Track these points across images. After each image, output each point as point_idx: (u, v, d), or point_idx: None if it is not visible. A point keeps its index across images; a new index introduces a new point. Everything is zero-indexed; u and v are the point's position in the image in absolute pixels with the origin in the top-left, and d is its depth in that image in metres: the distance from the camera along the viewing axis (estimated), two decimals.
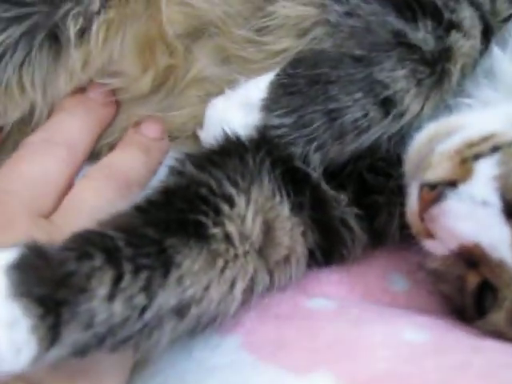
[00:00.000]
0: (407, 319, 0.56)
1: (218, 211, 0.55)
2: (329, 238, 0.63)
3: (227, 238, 0.54)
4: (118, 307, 0.46)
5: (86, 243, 0.48)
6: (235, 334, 0.55)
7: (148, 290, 0.48)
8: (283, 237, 0.58)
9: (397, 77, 0.59)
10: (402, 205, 0.61)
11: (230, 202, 0.56)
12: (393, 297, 0.63)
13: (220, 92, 0.71)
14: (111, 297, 0.46)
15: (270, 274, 0.58)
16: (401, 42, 0.60)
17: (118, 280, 0.47)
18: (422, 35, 0.60)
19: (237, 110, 0.66)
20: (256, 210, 0.57)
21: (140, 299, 0.48)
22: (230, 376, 0.51)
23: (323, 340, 0.52)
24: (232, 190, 0.56)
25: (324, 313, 0.57)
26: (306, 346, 0.52)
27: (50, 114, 0.75)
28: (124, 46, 0.74)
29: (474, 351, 0.50)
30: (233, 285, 0.54)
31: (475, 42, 0.62)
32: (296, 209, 0.60)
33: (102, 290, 0.46)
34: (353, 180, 0.64)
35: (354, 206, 0.64)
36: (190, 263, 0.51)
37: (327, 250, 0.63)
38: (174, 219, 0.52)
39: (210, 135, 0.67)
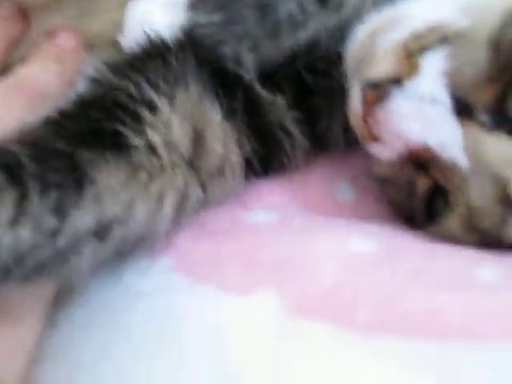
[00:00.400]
0: (354, 228, 0.51)
1: (138, 119, 0.49)
2: (267, 145, 0.58)
3: (150, 148, 0.48)
4: (25, 232, 0.41)
5: None
6: (167, 255, 0.49)
7: (59, 210, 0.42)
8: (215, 145, 0.53)
9: None
10: (345, 107, 0.55)
11: (152, 108, 0.50)
12: (339, 206, 0.58)
13: None
14: (15, 220, 0.41)
15: (203, 186, 0.52)
16: None
17: (22, 201, 0.41)
18: None
19: (160, 10, 0.60)
20: (183, 116, 0.51)
21: (50, 222, 0.42)
22: (161, 300, 0.46)
23: (265, 255, 0.47)
24: (153, 95, 0.50)
25: (266, 226, 0.52)
26: (246, 263, 0.47)
27: None
28: None
29: (427, 257, 0.46)
30: (160, 200, 0.48)
31: None
32: (228, 114, 0.55)
33: (4, 212, 0.40)
34: (290, 81, 0.59)
35: (293, 109, 0.58)
36: (108, 178, 0.45)
37: (266, 159, 0.58)
38: (87, 130, 0.47)
39: (131, 39, 0.60)
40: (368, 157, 0.54)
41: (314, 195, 0.59)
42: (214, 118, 0.53)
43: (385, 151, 0.51)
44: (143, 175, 0.47)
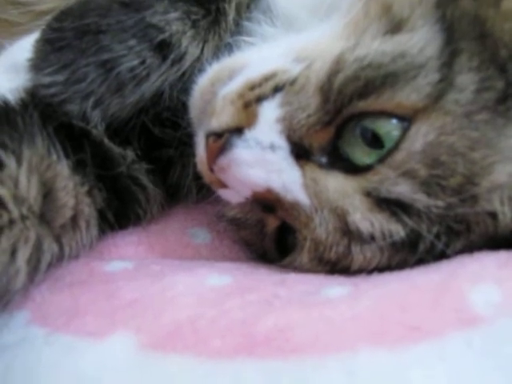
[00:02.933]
0: (210, 267, 0.51)
1: None
2: (120, 198, 0.57)
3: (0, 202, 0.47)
4: None
5: None
6: (24, 309, 0.47)
7: None
8: (66, 197, 0.52)
9: (171, 19, 0.55)
10: (194, 155, 0.56)
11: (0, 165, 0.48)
12: (195, 250, 0.59)
13: None
14: None
15: (58, 239, 0.51)
16: None
17: None
18: None
19: (2, 74, 0.59)
20: (30, 170, 0.49)
21: None
22: (21, 354, 0.43)
23: (121, 300, 0.46)
24: (4, 154, 0.49)
25: (123, 274, 0.51)
26: (102, 309, 0.45)
27: None
28: None
29: (280, 284, 0.47)
30: (13, 254, 0.46)
31: None
32: (77, 167, 0.54)
33: None
34: (138, 134, 0.59)
35: (144, 160, 0.58)
36: None
37: (120, 211, 0.58)
38: None
39: None
40: (220, 201, 0.55)
41: (170, 242, 0.59)
42: (63, 170, 0.52)
43: (233, 196, 0.52)
44: None
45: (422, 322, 0.39)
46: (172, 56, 0.54)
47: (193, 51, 0.55)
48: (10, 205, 0.47)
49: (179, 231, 0.60)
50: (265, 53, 0.54)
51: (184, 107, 0.58)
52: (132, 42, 0.53)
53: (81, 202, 0.53)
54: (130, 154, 0.58)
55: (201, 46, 0.56)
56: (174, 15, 0.54)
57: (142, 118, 0.58)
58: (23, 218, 0.48)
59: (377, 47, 0.47)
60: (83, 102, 0.53)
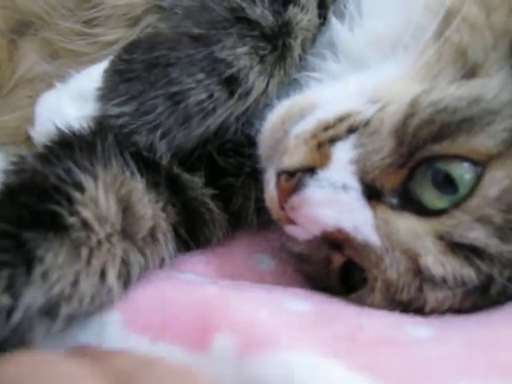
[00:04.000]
0: (284, 291, 0.52)
1: (70, 199, 0.48)
2: (190, 217, 0.57)
3: (85, 224, 0.48)
4: None
5: None
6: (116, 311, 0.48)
7: (12, 289, 0.42)
8: (143, 209, 0.52)
9: (239, 54, 0.55)
10: (258, 189, 0.57)
11: (81, 188, 0.49)
12: (261, 275, 0.59)
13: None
14: None
15: (141, 251, 0.52)
16: (239, 18, 0.56)
17: None
18: (260, 10, 0.56)
19: (70, 103, 0.59)
20: (106, 189, 0.50)
21: (4, 300, 0.42)
22: None
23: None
24: (81, 176, 0.50)
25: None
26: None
27: None
28: None
29: (360, 315, 0.47)
30: (103, 273, 0.47)
31: (312, 15, 0.59)
32: (152, 185, 0.54)
33: None
34: (203, 162, 0.59)
35: (209, 187, 0.59)
36: (53, 256, 0.45)
37: (191, 230, 0.58)
38: (26, 213, 0.46)
39: (42, 132, 0.59)
40: (284, 234, 0.54)
41: (237, 265, 0.59)
42: (137, 185, 0.53)
43: (300, 233, 0.51)
44: (84, 251, 0.47)
45: None
46: (239, 90, 0.54)
47: (259, 86, 0.55)
48: (96, 226, 0.48)
49: (244, 255, 0.60)
50: (336, 92, 0.53)
51: (247, 139, 0.59)
52: (200, 76, 0.54)
53: (157, 215, 0.53)
54: (197, 180, 0.58)
55: (266, 80, 0.56)
56: (242, 50, 0.54)
57: (206, 148, 0.58)
58: (108, 236, 0.48)
59: (452, 92, 0.47)
60: (150, 133, 0.54)
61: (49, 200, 0.47)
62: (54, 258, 0.44)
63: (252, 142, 0.58)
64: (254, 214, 0.61)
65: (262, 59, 0.55)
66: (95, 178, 0.50)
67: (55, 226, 0.46)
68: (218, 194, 0.59)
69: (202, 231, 0.59)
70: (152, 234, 0.53)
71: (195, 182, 0.58)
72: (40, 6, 0.64)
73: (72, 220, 0.47)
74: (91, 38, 0.65)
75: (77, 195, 0.48)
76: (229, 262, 0.59)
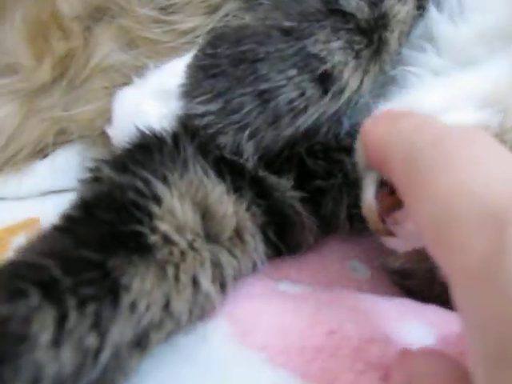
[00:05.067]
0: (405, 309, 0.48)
1: (150, 215, 0.44)
2: (278, 220, 0.53)
3: (166, 239, 0.44)
4: (68, 353, 0.36)
5: (16, 278, 0.37)
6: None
7: (98, 326, 0.38)
8: (223, 209, 0.48)
9: (333, 49, 0.50)
10: (351, 194, 0.53)
11: (158, 201, 0.46)
12: (357, 284, 0.54)
13: (129, 83, 0.60)
14: (57, 342, 0.36)
15: (231, 252, 0.48)
16: (333, 10, 0.51)
17: (62, 320, 0.36)
18: (356, 2, 0.51)
19: (151, 100, 0.56)
20: (181, 196, 0.47)
21: (91, 339, 0.37)
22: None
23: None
24: (159, 186, 0.46)
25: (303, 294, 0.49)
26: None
27: None
28: (11, 32, 0.62)
29: None
30: (195, 283, 0.44)
31: (410, 6, 0.53)
32: (233, 189, 0.51)
33: (45, 334, 0.35)
34: (292, 164, 0.55)
35: (298, 189, 0.54)
36: (140, 282, 0.41)
37: (279, 232, 0.54)
38: (107, 235, 0.42)
39: (120, 131, 0.56)
40: (381, 245, 0.50)
41: (331, 273, 0.55)
42: (215, 187, 0.49)
43: (401, 245, 0.47)
44: (171, 269, 0.43)
45: None
46: (333, 88, 0.50)
47: (353, 83, 0.51)
48: (176, 237, 0.44)
49: (338, 262, 0.56)
50: (441, 95, 0.48)
51: (336, 141, 0.55)
52: (291, 73, 0.49)
53: (241, 214, 0.50)
54: (283, 182, 0.54)
55: (361, 77, 0.51)
56: (336, 44, 0.50)
57: (295, 150, 0.54)
58: (191, 244, 0.45)
59: None
60: (237, 133, 0.49)
61: (130, 218, 0.43)
62: (140, 285, 0.41)
63: (341, 146, 0.54)
64: (345, 220, 0.56)
65: (357, 54, 0.50)
66: (171, 186, 0.47)
67: (139, 248, 0.42)
68: (306, 197, 0.54)
69: (291, 235, 0.54)
70: (239, 234, 0.49)
71: (282, 184, 0.53)
72: None
73: (154, 238, 0.43)
74: (168, 26, 0.61)
75: (155, 209, 0.45)
76: (322, 269, 0.55)
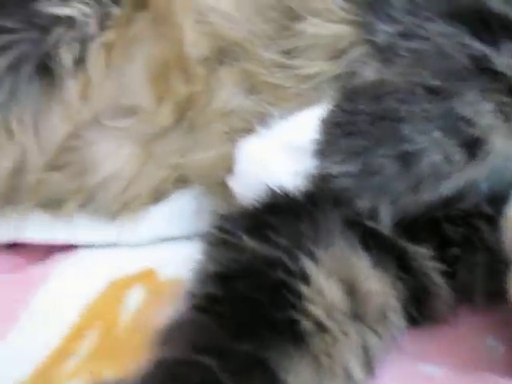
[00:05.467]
0: None
1: (300, 296, 0.42)
2: (416, 292, 0.50)
3: (318, 325, 0.41)
4: None
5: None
6: None
7: None
8: (371, 287, 0.45)
9: (482, 111, 0.46)
10: (485, 265, 0.50)
11: (307, 279, 0.43)
12: (495, 364, 0.50)
13: (249, 128, 0.57)
14: None
15: (375, 332, 0.45)
16: (483, 69, 0.47)
17: None
18: (506, 60, 0.47)
19: (280, 154, 0.52)
20: (329, 273, 0.44)
21: None
22: None
23: None
24: (306, 262, 0.43)
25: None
26: None
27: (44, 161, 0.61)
28: (133, 73, 0.60)
29: None
30: (347, 372, 0.41)
31: None
32: (377, 260, 0.47)
33: None
34: (430, 232, 0.51)
35: (435, 260, 0.51)
36: (294, 377, 0.38)
37: (418, 305, 0.50)
38: (259, 319, 0.40)
39: (243, 184, 0.53)
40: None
41: (466, 350, 0.52)
42: (362, 261, 0.46)
43: None
44: (325, 360, 0.40)
45: None
46: (480, 154, 0.46)
47: (502, 150, 0.47)
48: (329, 322, 0.41)
49: (473, 339, 0.53)
50: None
51: (476, 207, 0.51)
52: (436, 135, 0.46)
53: (386, 292, 0.47)
54: (422, 251, 0.50)
55: (510, 142, 0.47)
56: (486, 106, 0.46)
57: (433, 216, 0.51)
58: (341, 328, 0.42)
59: None
60: (376, 198, 0.46)
61: (282, 301, 0.41)
62: (297, 380, 0.38)
63: (480, 212, 0.51)
64: (481, 295, 0.52)
65: (506, 117, 0.47)
66: (317, 261, 0.44)
67: (293, 336, 0.40)
68: (443, 268, 0.51)
69: (428, 306, 0.51)
70: (382, 311, 0.46)
71: (420, 253, 0.50)
72: (243, 32, 0.59)
73: (307, 324, 0.40)
74: (290, 71, 0.58)
75: (304, 289, 0.42)
76: (461, 346, 0.52)
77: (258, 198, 0.49)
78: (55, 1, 0.57)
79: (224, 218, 0.49)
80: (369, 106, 0.48)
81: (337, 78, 0.57)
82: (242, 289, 0.41)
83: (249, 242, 0.45)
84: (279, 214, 0.47)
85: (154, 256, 0.63)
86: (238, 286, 0.42)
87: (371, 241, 0.47)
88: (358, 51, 0.56)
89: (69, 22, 0.56)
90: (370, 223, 0.47)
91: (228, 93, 0.60)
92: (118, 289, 0.58)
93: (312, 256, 0.44)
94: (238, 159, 0.54)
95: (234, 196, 0.54)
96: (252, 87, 0.60)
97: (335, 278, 0.44)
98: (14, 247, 0.64)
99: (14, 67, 0.56)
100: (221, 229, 0.48)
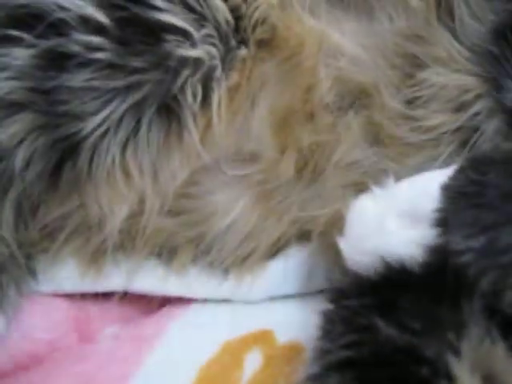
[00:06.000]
0: None
1: None
2: None
3: None
4: None
5: None
6: None
7: None
8: (508, 379, 0.39)
9: None
10: None
11: (451, 378, 0.38)
12: None
13: (365, 185, 0.54)
14: None
15: None
16: None
17: None
18: None
19: (395, 220, 0.48)
20: (472, 368, 0.38)
21: None
22: None
23: None
24: (453, 361, 0.38)
25: None
26: None
27: (161, 206, 0.59)
28: (257, 119, 0.57)
29: None
30: None
31: None
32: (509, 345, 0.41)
33: None
34: None
35: None
36: None
37: None
38: None
39: (354, 248, 0.49)
40: None
41: None
42: (498, 350, 0.40)
43: None
44: None
45: None
46: None
47: None
48: None
49: None
50: None
51: None
52: None
53: None
54: None
55: None
56: None
57: None
58: None
59: None
60: (499, 277, 0.41)
61: None
62: None
63: None
64: None
65: None
66: (460, 355, 0.39)
67: None
68: None
69: None
70: None
71: None
72: (370, 78, 0.56)
73: None
74: (413, 122, 0.56)
75: None
76: None
77: (373, 268, 0.45)
78: (184, 41, 0.55)
79: (341, 292, 0.46)
80: (497, 178, 0.44)
81: (458, 130, 0.54)
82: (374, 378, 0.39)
83: (385, 329, 0.41)
84: (407, 293, 0.43)
85: (268, 315, 0.60)
86: (372, 375, 0.39)
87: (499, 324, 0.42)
88: (483, 104, 0.54)
89: (196, 63, 0.54)
90: (491, 303, 0.42)
91: (350, 144, 0.57)
92: (235, 351, 0.56)
93: (455, 349, 0.39)
94: (349, 219, 0.51)
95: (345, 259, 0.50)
96: (375, 139, 0.57)
97: (477, 373, 0.39)
98: (124, 297, 0.63)
99: (136, 108, 0.54)
100: (341, 305, 0.45)
